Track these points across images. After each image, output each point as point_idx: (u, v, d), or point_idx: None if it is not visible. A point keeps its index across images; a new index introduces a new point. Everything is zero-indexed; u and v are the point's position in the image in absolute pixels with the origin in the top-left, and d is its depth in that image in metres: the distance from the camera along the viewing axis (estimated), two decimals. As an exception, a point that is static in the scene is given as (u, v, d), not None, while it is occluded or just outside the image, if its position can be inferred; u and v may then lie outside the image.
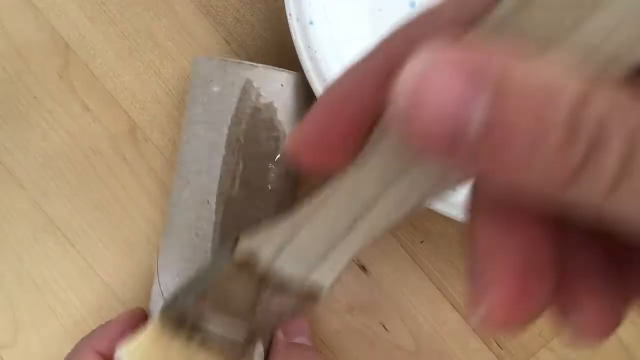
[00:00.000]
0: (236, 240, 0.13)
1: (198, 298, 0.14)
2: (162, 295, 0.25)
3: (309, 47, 0.25)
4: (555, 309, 0.11)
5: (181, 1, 0.30)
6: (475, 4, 0.09)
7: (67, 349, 0.25)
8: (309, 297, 0.13)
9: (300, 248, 0.12)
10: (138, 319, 0.25)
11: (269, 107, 0.25)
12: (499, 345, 0.30)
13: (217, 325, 0.14)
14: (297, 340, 0.26)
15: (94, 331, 0.25)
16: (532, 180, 0.08)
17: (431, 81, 0.08)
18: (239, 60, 0.24)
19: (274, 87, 0.25)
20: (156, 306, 0.25)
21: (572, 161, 0.08)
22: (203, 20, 0.30)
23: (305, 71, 0.24)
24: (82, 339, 0.25)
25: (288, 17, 0.24)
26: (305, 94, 0.26)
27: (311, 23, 0.25)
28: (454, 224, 0.25)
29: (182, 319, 0.15)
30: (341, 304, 0.29)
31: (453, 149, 0.08)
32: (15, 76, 0.29)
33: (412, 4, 0.27)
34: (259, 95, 0.24)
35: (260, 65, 0.24)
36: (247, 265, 0.13)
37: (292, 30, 0.24)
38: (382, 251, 0.30)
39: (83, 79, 0.29)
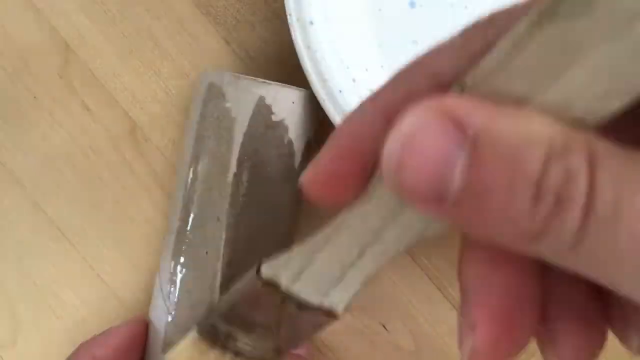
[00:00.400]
0: (259, 264, 0.14)
1: (227, 315, 0.15)
2: (168, 311, 0.24)
3: (309, 47, 0.25)
4: (537, 340, 0.12)
5: (181, 1, 0.30)
6: (472, 50, 0.10)
7: (67, 349, 0.25)
8: (327, 316, 0.14)
9: (315, 273, 0.13)
10: (141, 329, 0.25)
11: (281, 124, 0.25)
12: (499, 345, 0.30)
13: (246, 341, 0.15)
14: (296, 351, 0.27)
15: (94, 337, 0.25)
16: (505, 235, 0.09)
17: (414, 148, 0.09)
18: (251, 77, 0.24)
19: (286, 104, 0.25)
20: (157, 317, 0.25)
21: (537, 220, 0.08)
22: (203, 20, 0.30)
23: (305, 71, 0.25)
24: (82, 344, 0.25)
25: (288, 17, 0.24)
26: (316, 112, 0.26)
27: (311, 23, 0.25)
28: (454, 224, 0.25)
29: (215, 333, 0.16)
30: (341, 304, 0.29)
31: (436, 206, 0.09)
32: (15, 76, 0.29)
33: (412, 4, 0.27)
34: (271, 112, 0.24)
35: (273, 82, 0.24)
36: (271, 287, 0.14)
37: (292, 30, 0.25)
38: (382, 251, 0.30)
39: (83, 79, 0.30)
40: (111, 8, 0.30)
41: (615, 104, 0.08)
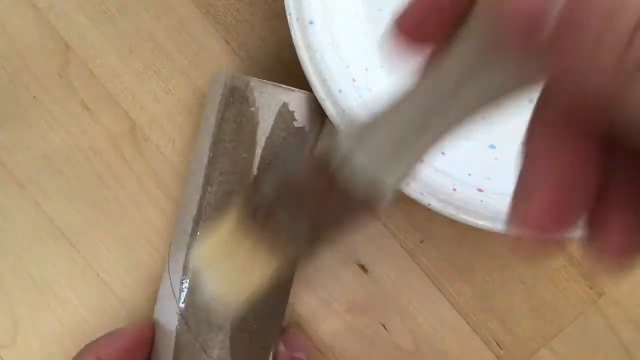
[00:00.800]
0: (317, 139, 0.14)
1: (277, 190, 0.15)
2: (180, 313, 0.24)
3: (309, 47, 0.25)
4: (586, 226, 0.12)
5: (181, 1, 0.30)
6: None
7: (67, 349, 0.25)
8: (369, 207, 0.13)
9: (374, 143, 0.13)
10: (146, 332, 0.25)
11: (302, 131, 0.25)
12: (498, 345, 0.30)
13: (284, 229, 0.14)
14: (298, 355, 0.27)
15: (99, 339, 0.25)
16: (595, 73, 0.09)
17: None
18: (275, 83, 0.24)
19: (308, 111, 0.25)
20: (166, 320, 0.25)
21: (629, 61, 0.08)
22: (203, 20, 0.30)
23: (305, 71, 0.25)
24: (87, 346, 0.25)
25: (288, 17, 0.24)
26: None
27: (311, 23, 0.25)
28: (454, 224, 0.25)
29: (254, 217, 0.15)
30: (341, 304, 0.29)
31: (533, 35, 0.09)
32: (15, 76, 0.29)
33: (412, 4, 0.27)
34: (294, 119, 0.24)
35: (297, 89, 0.24)
36: (326, 161, 0.13)
37: (292, 30, 0.25)
38: (382, 251, 0.30)
39: (83, 79, 0.30)
40: (111, 8, 0.30)
41: None
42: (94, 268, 0.29)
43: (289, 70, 0.29)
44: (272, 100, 0.24)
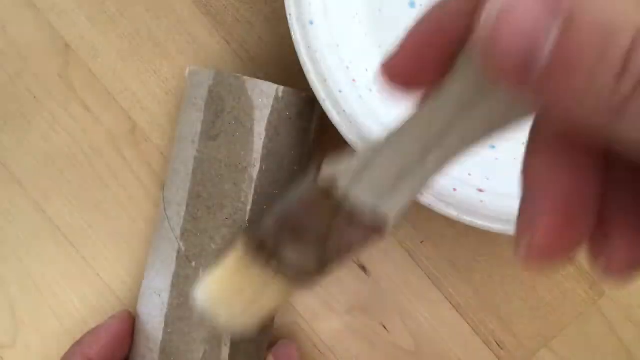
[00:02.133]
0: (319, 167, 0.14)
1: (281, 221, 0.15)
2: (163, 306, 0.24)
3: (309, 47, 0.25)
4: (589, 243, 0.12)
5: (181, 1, 0.30)
6: None
7: (67, 349, 0.25)
8: (375, 228, 0.14)
9: (373, 177, 0.13)
10: (126, 322, 0.26)
11: (294, 123, 0.25)
12: (499, 345, 0.30)
13: (292, 253, 0.15)
14: None
15: (83, 337, 0.25)
16: (586, 109, 0.09)
17: (510, 15, 0.09)
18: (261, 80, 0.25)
19: (307, 108, 0.26)
20: (149, 314, 0.25)
21: (621, 93, 0.08)
22: (203, 20, 0.30)
23: (305, 71, 0.24)
24: (72, 346, 0.25)
25: (288, 17, 0.24)
26: (319, 113, 0.27)
27: (311, 23, 0.25)
28: (454, 224, 0.25)
29: (263, 243, 0.15)
30: (341, 304, 0.29)
31: (523, 77, 0.09)
32: (15, 76, 0.29)
33: (412, 4, 0.27)
34: (291, 115, 0.25)
35: (281, 85, 0.25)
36: (327, 191, 0.14)
37: (292, 30, 0.24)
38: (382, 251, 0.30)
39: (83, 79, 0.30)
40: (111, 8, 0.30)
41: None
42: (94, 268, 0.29)
43: (289, 70, 0.29)
44: (267, 97, 0.24)
